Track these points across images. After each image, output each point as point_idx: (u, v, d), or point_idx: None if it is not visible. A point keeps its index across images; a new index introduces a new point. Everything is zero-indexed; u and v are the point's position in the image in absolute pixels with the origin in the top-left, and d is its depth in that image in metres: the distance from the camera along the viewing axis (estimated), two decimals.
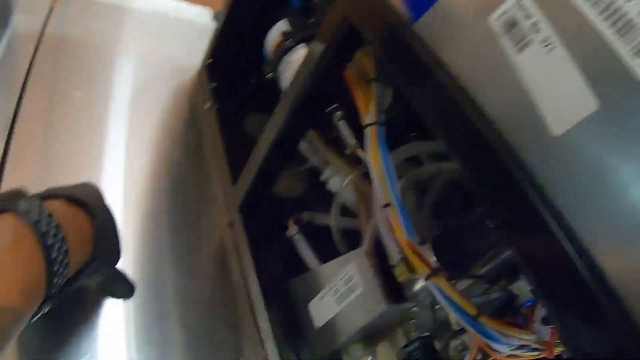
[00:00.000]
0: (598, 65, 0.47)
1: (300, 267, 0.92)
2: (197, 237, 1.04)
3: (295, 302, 0.88)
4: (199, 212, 1.09)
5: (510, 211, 0.52)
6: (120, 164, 1.11)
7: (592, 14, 0.47)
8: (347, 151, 0.88)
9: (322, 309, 0.81)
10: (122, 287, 0.90)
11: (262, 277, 0.91)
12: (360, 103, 0.80)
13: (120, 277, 0.89)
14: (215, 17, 1.58)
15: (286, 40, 1.10)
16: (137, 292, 0.92)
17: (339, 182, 0.91)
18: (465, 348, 0.78)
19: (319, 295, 0.82)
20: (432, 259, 0.67)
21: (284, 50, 1.09)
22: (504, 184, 0.52)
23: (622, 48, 0.46)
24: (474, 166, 0.56)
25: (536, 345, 0.71)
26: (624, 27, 0.45)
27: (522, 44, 0.52)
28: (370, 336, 0.80)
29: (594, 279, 0.45)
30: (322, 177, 0.98)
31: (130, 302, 0.92)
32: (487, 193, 0.55)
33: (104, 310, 0.89)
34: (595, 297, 0.44)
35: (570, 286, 0.47)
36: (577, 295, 0.46)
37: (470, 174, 0.57)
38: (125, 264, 0.89)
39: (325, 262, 0.87)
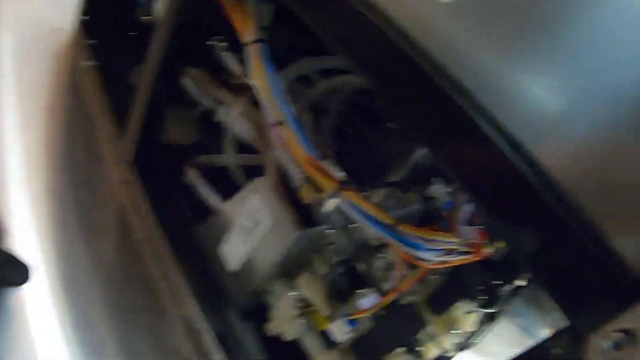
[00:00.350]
0: None
1: (208, 213, 0.85)
2: (95, 201, 0.97)
3: (207, 249, 0.81)
4: (94, 175, 1.01)
5: (421, 107, 0.47)
6: (11, 139, 1.02)
7: None
8: (235, 81, 0.82)
9: (233, 251, 0.75)
10: (14, 272, 0.81)
11: (168, 230, 0.84)
12: (237, 22, 0.73)
13: (9, 261, 0.80)
14: None
15: None
16: (54, 270, 0.84)
17: (230, 114, 0.84)
18: (390, 267, 0.74)
19: (227, 237, 0.76)
20: (338, 174, 0.62)
21: None
22: (412, 79, 0.47)
23: None
24: (370, 57, 0.51)
25: (464, 248, 0.67)
26: None
27: None
28: (290, 270, 0.74)
29: (529, 169, 0.41)
30: (217, 118, 0.91)
31: (53, 281, 0.84)
32: (392, 91, 0.50)
33: (28, 294, 0.82)
34: (532, 188, 0.40)
35: (504, 181, 0.43)
36: (512, 189, 0.42)
37: (369, 71, 0.52)
38: (33, 242, 0.83)
39: None
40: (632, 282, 0.36)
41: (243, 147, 0.89)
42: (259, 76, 0.66)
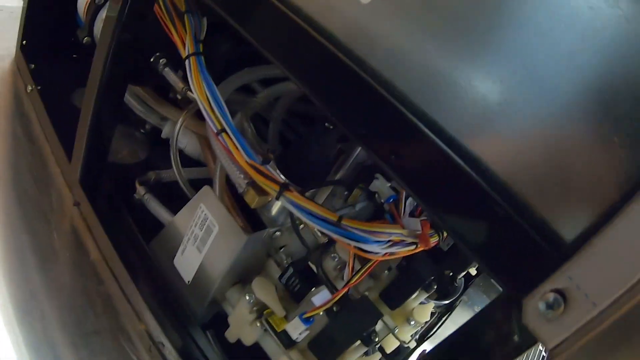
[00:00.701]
0: None
1: (161, 228, 0.86)
2: (48, 226, 0.96)
3: (162, 263, 0.82)
4: (45, 199, 1.00)
5: (353, 106, 0.49)
6: None
7: None
8: (178, 96, 0.83)
9: (187, 262, 0.76)
10: None
11: (121, 249, 0.84)
12: (175, 38, 0.74)
13: None
14: None
15: None
16: (11, 299, 0.83)
17: (175, 128, 0.85)
18: (343, 265, 0.76)
19: (180, 249, 0.77)
20: (280, 176, 0.64)
21: (95, 9, 1.01)
22: (341, 79, 0.49)
23: None
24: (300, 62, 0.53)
25: (411, 239, 0.69)
26: None
27: None
28: (245, 277, 0.76)
29: (467, 163, 0.43)
30: (163, 134, 0.92)
31: (8, 309, 0.83)
32: (323, 93, 0.52)
33: None
34: (472, 180, 0.42)
35: (443, 176, 0.45)
36: (452, 183, 0.44)
37: (300, 75, 0.53)
38: None
39: None
40: (561, 247, 0.39)
41: (191, 161, 0.90)
42: (198, 85, 0.67)
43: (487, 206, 0.42)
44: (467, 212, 0.44)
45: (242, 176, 0.66)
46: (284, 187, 0.61)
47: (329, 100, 0.51)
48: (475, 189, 0.42)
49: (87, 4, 1.03)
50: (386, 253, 0.67)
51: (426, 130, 0.44)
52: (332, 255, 0.75)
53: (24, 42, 1.20)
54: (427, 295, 0.83)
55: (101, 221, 0.87)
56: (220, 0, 0.58)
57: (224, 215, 0.70)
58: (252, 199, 0.65)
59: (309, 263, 0.73)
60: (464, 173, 0.43)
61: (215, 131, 0.65)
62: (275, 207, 0.71)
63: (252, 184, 0.64)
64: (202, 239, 0.73)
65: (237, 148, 0.64)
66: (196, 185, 0.84)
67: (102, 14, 1.00)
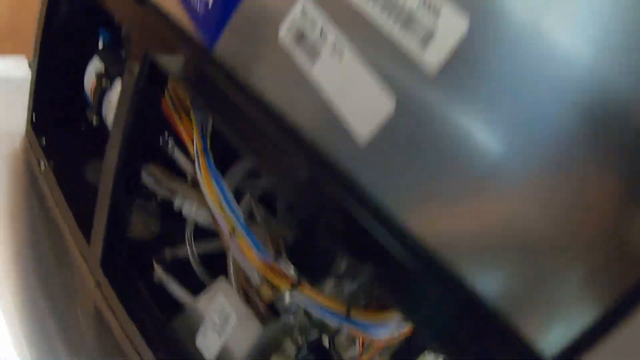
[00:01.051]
0: (389, 64, 0.46)
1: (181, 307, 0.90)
2: (72, 305, 1.00)
3: (184, 342, 0.86)
4: (68, 279, 1.04)
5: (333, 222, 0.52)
6: None
7: (374, 13, 0.46)
8: (188, 176, 0.87)
9: (208, 344, 0.80)
10: None
11: (143, 328, 0.88)
12: (183, 134, 0.79)
13: None
14: (31, 64, 1.47)
15: (101, 79, 1.06)
16: None
17: (188, 207, 0.88)
18: (353, 338, 0.80)
19: (201, 331, 0.81)
20: (291, 271, 0.68)
21: (101, 93, 1.06)
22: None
23: (409, 42, 0.44)
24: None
25: None
26: (407, 21, 0.44)
27: (313, 54, 0.51)
28: (263, 356, 0.80)
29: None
30: (175, 207, 0.96)
31: None
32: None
33: None
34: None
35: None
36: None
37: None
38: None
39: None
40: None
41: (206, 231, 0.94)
42: (209, 186, 0.72)
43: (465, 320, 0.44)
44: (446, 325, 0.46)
45: (255, 272, 0.70)
46: (295, 284, 0.66)
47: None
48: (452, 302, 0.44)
49: (94, 86, 1.08)
50: (392, 336, 0.71)
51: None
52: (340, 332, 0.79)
53: (34, 118, 1.23)
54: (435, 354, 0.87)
55: (122, 301, 0.91)
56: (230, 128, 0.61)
57: (239, 306, 0.74)
58: (266, 295, 0.69)
59: (323, 340, 0.77)
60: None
61: (229, 232, 0.69)
62: (289, 297, 0.75)
63: (265, 279, 0.69)
64: (221, 326, 0.77)
65: (248, 247, 0.68)
66: (213, 258, 0.88)
67: (110, 96, 1.04)
